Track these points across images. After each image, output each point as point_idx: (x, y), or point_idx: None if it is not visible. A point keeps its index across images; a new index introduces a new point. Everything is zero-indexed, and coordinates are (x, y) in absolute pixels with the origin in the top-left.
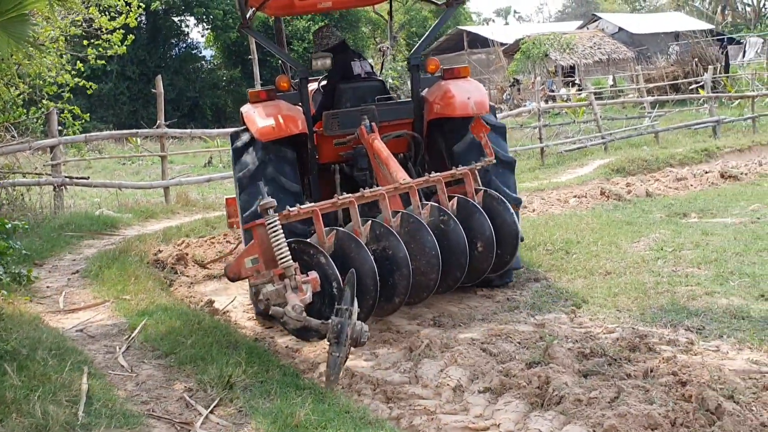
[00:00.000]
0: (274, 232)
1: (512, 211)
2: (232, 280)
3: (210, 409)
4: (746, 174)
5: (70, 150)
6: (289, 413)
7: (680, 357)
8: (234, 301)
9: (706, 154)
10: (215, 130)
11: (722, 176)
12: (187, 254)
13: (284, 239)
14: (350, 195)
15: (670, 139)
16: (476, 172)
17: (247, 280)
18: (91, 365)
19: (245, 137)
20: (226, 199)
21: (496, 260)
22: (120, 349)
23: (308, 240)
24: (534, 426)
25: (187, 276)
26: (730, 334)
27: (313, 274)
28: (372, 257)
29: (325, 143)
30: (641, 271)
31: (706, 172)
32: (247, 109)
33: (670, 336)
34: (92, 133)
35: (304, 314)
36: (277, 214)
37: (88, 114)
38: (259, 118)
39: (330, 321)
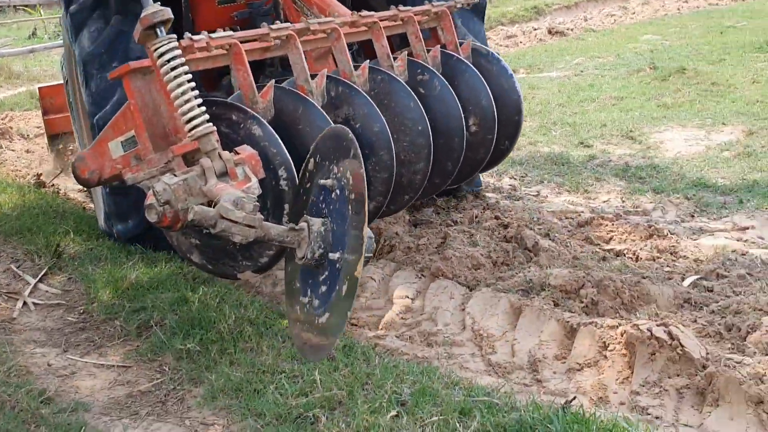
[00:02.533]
0: (174, 70)
1: (511, 73)
2: (88, 184)
3: (38, 278)
4: (572, 30)
5: None
6: (120, 276)
7: (503, 203)
8: (61, 174)
9: (535, 12)
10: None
11: (550, 32)
12: (11, 128)
13: (192, 85)
14: (289, 25)
15: None
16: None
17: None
18: None
19: None
20: (40, 89)
21: (494, 147)
22: None
23: (228, 100)
24: (366, 275)
25: (13, 150)
26: (550, 180)
27: (249, 150)
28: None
29: (204, 2)
30: None
31: (535, 29)
32: None
33: (495, 184)
34: None
35: (259, 214)
36: (173, 37)
37: None
38: None
39: (304, 225)
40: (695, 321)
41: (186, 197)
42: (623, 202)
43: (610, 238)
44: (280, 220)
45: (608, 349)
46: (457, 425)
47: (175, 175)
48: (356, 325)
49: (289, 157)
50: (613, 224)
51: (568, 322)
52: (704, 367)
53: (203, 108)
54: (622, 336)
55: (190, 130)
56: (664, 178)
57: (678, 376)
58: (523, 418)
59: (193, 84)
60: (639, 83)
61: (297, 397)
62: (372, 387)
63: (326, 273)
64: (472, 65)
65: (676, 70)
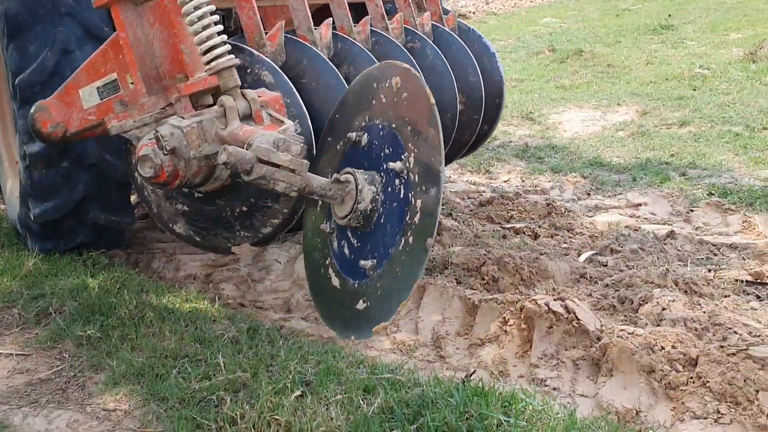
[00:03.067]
0: None
1: (494, 51)
2: (51, 139)
3: None
4: (474, 13)
5: None
6: (17, 264)
7: None
8: None
9: None
10: None
11: None
12: None
13: (212, 8)
14: None
15: None
16: None
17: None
18: None
19: None
20: None
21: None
22: None
23: (233, 40)
24: (271, 257)
25: None
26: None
27: (270, 93)
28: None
29: None
30: None
31: None
32: None
33: None
34: None
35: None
36: None
37: None
38: None
39: (349, 178)
40: (590, 295)
41: (200, 143)
42: (523, 181)
43: (510, 217)
44: None
45: (508, 324)
46: (361, 402)
47: (183, 118)
48: (261, 308)
49: (305, 110)
50: (513, 203)
51: (469, 299)
52: (599, 338)
53: (224, 37)
54: (520, 311)
55: (210, 61)
56: (561, 158)
57: (574, 348)
58: (425, 393)
59: (213, 7)
60: (538, 65)
61: (200, 381)
62: (276, 368)
63: (378, 233)
64: (459, 38)
65: (574, 52)
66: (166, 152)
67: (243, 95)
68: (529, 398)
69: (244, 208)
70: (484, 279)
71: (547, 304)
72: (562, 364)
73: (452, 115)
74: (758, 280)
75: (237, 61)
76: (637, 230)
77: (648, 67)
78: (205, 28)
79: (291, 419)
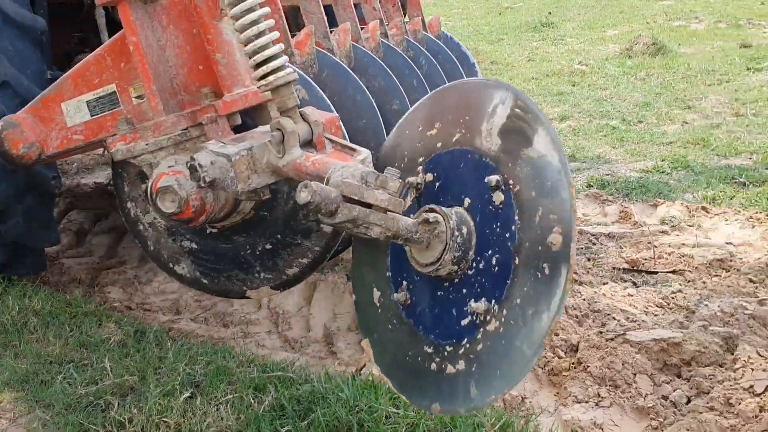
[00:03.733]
0: None
1: (473, 61)
2: (21, 163)
3: None
4: None
5: None
6: None
7: None
8: None
9: None
10: None
11: None
12: None
13: (267, 10)
14: None
15: None
16: None
17: None
18: None
19: None
20: None
21: None
22: None
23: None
24: None
25: None
26: None
27: (325, 113)
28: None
29: None
30: None
31: None
32: None
33: None
34: None
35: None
36: None
37: None
38: None
39: (438, 218)
40: None
41: (249, 174)
42: None
43: None
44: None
45: None
46: (252, 401)
47: (224, 143)
48: (149, 310)
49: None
50: None
51: None
52: None
53: (282, 46)
54: None
55: (265, 75)
56: None
57: None
58: (315, 389)
59: (267, 9)
60: None
61: (87, 386)
62: (165, 370)
63: (464, 290)
64: (444, 46)
65: None
66: (204, 184)
67: (303, 117)
68: None
69: (268, 246)
70: None
71: None
72: None
73: None
74: (634, 268)
75: (296, 76)
76: None
77: (529, 64)
78: (260, 34)
79: (180, 421)
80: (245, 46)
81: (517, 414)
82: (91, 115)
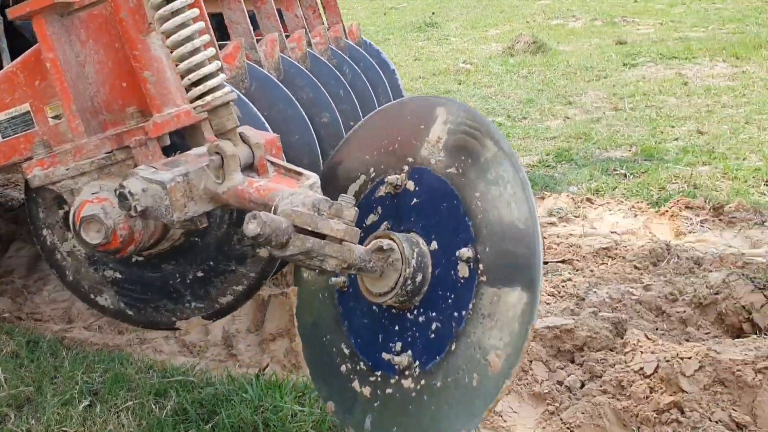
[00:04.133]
0: None
1: (393, 68)
2: None
3: None
4: None
5: None
6: None
7: None
8: None
9: None
10: None
11: None
12: None
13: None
14: None
15: None
16: None
17: None
18: None
19: None
20: None
21: None
22: None
23: None
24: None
25: None
26: None
27: (264, 133)
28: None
29: None
30: None
31: None
32: None
33: None
34: None
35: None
36: None
37: None
38: None
39: (392, 245)
40: None
41: (185, 202)
42: None
43: None
44: None
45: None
46: (153, 407)
47: (154, 168)
48: (40, 320)
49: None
50: None
51: (259, 294)
52: None
53: (219, 63)
54: None
55: (201, 95)
56: None
57: None
58: (218, 391)
59: (201, 24)
60: None
61: None
62: (62, 379)
63: (426, 315)
64: (366, 54)
65: None
66: (135, 214)
67: (243, 139)
68: None
69: (200, 274)
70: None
71: None
72: None
73: None
74: None
75: (235, 95)
76: None
77: (416, 63)
78: (194, 51)
79: (80, 429)
80: (178, 63)
81: None
82: (2, 137)
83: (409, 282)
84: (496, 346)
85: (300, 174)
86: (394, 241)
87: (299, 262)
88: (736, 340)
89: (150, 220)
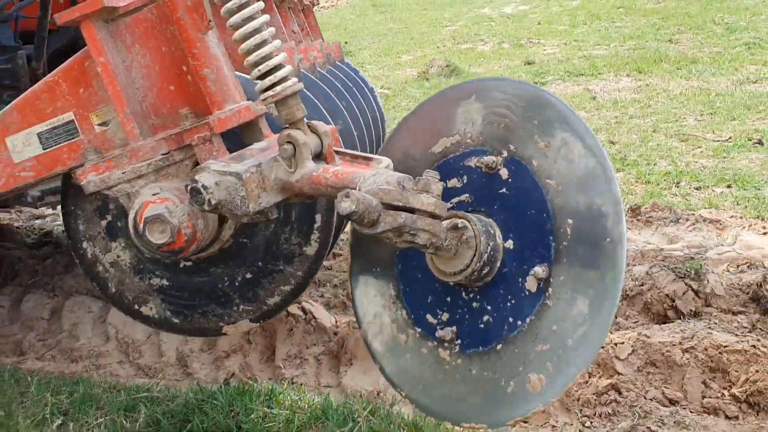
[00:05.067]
0: None
1: (372, 86)
2: None
3: None
4: None
5: None
6: None
7: None
8: None
9: None
10: None
11: None
12: None
13: (266, 18)
14: None
15: None
16: None
17: None
18: None
19: None
20: None
21: None
22: None
23: None
24: None
25: None
26: None
27: (323, 125)
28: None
29: None
30: None
31: None
32: None
33: None
34: None
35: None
36: None
37: None
38: None
39: (465, 224)
40: (322, 296)
41: (259, 193)
42: None
43: None
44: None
45: (250, 333)
46: (124, 422)
47: (225, 162)
48: None
49: None
50: None
51: None
52: (336, 333)
53: (285, 55)
54: None
55: (270, 86)
56: None
57: (315, 345)
58: (189, 400)
59: (267, 17)
60: None
61: None
62: (30, 403)
63: (481, 304)
64: (351, 72)
65: None
66: (208, 208)
67: (312, 128)
68: (287, 390)
69: (248, 275)
70: None
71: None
72: (306, 361)
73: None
74: None
75: (302, 85)
76: None
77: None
78: (262, 43)
79: None
80: (247, 56)
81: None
82: (44, 149)
83: (475, 273)
84: (541, 371)
85: (370, 159)
86: (467, 220)
87: (388, 239)
88: (663, 325)
89: (221, 214)
